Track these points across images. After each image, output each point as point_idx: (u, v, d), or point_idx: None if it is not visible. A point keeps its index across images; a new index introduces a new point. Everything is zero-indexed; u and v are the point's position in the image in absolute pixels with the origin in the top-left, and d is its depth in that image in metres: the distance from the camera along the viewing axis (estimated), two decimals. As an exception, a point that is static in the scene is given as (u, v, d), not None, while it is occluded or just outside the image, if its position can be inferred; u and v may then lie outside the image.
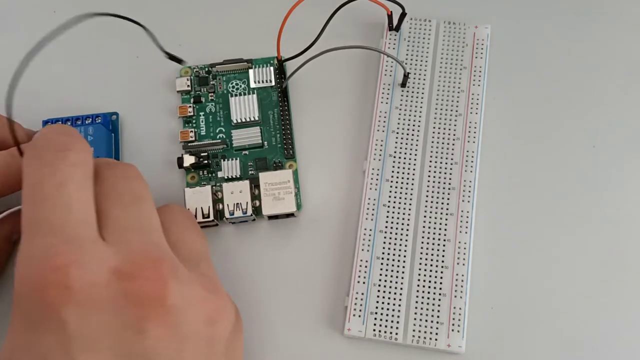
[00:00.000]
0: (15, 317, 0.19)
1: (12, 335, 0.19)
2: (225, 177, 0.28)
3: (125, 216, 0.21)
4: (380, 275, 0.26)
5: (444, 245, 0.27)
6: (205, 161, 0.28)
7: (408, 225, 0.27)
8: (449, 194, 0.28)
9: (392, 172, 0.28)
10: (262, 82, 0.30)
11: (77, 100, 0.30)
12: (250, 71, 0.30)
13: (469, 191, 0.28)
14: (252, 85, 0.30)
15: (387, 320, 0.26)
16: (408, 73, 0.29)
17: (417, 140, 0.29)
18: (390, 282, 0.26)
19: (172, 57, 0.26)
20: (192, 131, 0.29)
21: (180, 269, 0.20)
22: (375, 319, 0.26)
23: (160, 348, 0.19)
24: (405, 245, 0.27)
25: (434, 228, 0.27)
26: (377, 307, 0.26)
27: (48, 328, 0.18)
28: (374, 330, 0.26)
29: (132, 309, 0.19)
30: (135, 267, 0.19)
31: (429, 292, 0.26)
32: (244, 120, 0.29)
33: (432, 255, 0.27)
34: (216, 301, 0.21)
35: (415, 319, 0.26)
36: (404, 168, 0.28)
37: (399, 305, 0.26)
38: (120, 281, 0.19)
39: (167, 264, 0.20)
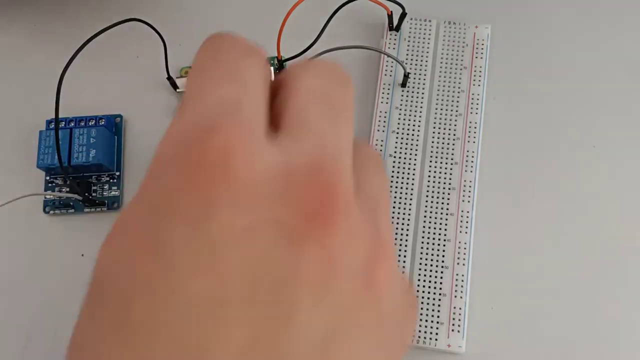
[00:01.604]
0: (140, 195, 0.15)
1: (133, 210, 0.15)
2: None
3: (314, 113, 0.16)
4: (381, 275, 0.26)
5: (444, 245, 0.27)
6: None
7: (408, 225, 0.27)
8: (449, 194, 0.28)
9: (392, 172, 0.28)
10: (262, 82, 0.30)
11: (80, 101, 0.30)
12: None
13: (469, 191, 0.28)
14: (252, 85, 0.30)
15: (387, 320, 0.26)
16: (408, 73, 0.29)
17: (417, 141, 0.29)
18: (391, 282, 0.26)
19: (170, 80, 0.26)
20: (192, 131, 0.29)
21: (355, 213, 0.16)
22: (376, 319, 0.26)
23: (309, 276, 0.15)
24: (406, 245, 0.27)
25: (434, 228, 0.27)
26: (377, 307, 0.26)
27: (186, 214, 0.14)
28: (374, 330, 0.26)
29: (292, 213, 0.15)
30: (310, 170, 0.15)
31: (429, 292, 0.26)
32: (244, 120, 0.29)
33: (432, 255, 0.27)
34: (385, 263, 0.16)
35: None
36: (404, 168, 0.28)
37: (399, 305, 0.26)
38: (289, 178, 0.15)
39: (346, 185, 0.15)
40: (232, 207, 0.14)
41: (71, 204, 0.29)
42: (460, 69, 0.30)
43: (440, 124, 0.29)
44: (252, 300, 0.14)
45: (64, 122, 0.29)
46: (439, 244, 0.27)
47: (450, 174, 0.28)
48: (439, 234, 0.27)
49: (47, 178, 0.29)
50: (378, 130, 0.29)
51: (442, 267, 0.26)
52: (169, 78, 0.30)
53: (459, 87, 0.29)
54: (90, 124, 0.29)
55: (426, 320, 0.26)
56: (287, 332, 0.14)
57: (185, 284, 0.14)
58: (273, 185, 0.15)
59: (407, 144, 0.29)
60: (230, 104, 0.15)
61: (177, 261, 0.14)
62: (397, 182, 0.28)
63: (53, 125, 0.29)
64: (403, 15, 0.30)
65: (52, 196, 0.29)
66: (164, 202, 0.14)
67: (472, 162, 0.28)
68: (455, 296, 0.26)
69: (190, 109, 0.15)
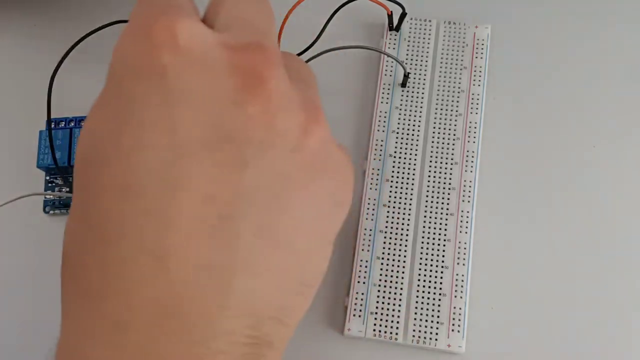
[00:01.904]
0: (108, 81, 0.17)
1: (102, 95, 0.17)
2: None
3: (240, 7, 0.19)
4: (381, 275, 0.26)
5: (444, 245, 0.27)
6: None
7: (408, 225, 0.27)
8: (449, 194, 0.28)
9: (392, 172, 0.28)
10: (262, 82, 0.30)
11: (80, 101, 0.30)
12: None
13: (469, 191, 0.28)
14: (252, 85, 0.30)
15: (387, 320, 0.26)
16: (408, 73, 0.29)
17: (417, 140, 0.29)
18: (391, 282, 0.26)
19: None
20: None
21: (288, 83, 0.18)
22: (376, 319, 0.26)
23: (254, 130, 0.17)
24: (405, 245, 0.27)
25: (434, 228, 0.27)
26: (377, 307, 0.26)
27: (146, 74, 0.17)
28: (374, 330, 0.26)
29: (234, 78, 0.17)
30: (243, 44, 0.17)
31: (429, 292, 0.26)
32: (244, 120, 0.29)
33: (432, 255, 0.27)
34: (319, 126, 0.18)
35: (415, 319, 0.26)
36: (404, 168, 0.28)
37: (399, 305, 0.26)
38: (226, 50, 0.17)
39: (276, 57, 0.18)
40: (183, 69, 0.16)
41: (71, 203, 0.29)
42: (460, 69, 0.30)
43: (440, 124, 0.29)
44: (206, 151, 0.16)
45: (64, 122, 0.29)
46: (439, 244, 0.27)
47: (450, 174, 0.28)
48: (439, 234, 0.27)
49: (47, 178, 0.29)
50: (378, 130, 0.29)
51: (442, 267, 0.26)
52: None
53: (459, 87, 0.29)
54: (82, 124, 0.29)
55: (426, 320, 0.26)
56: (242, 178, 0.16)
57: (148, 137, 0.16)
58: (216, 55, 0.17)
59: (407, 144, 0.29)
60: (166, 3, 0.17)
61: (140, 116, 0.16)
62: (397, 182, 0.28)
63: (53, 126, 0.29)
64: (403, 15, 0.30)
65: (52, 196, 0.29)
66: (128, 75, 0.17)
67: (472, 162, 0.28)
68: (455, 296, 0.26)
69: (135, 14, 0.18)
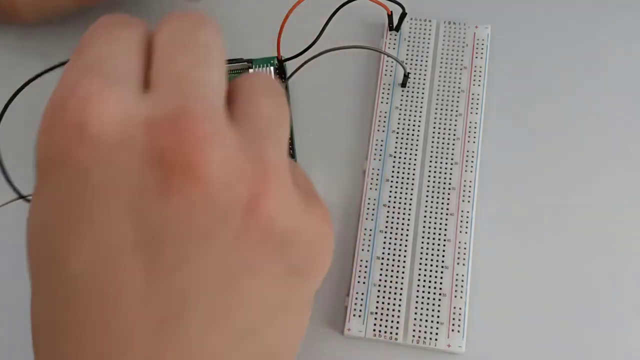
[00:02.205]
0: (37, 167, 0.16)
1: (36, 184, 0.16)
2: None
3: (175, 63, 0.16)
4: (380, 275, 0.26)
5: (444, 245, 0.27)
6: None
7: (408, 225, 0.27)
8: (449, 194, 0.28)
9: (392, 172, 0.28)
10: (262, 82, 0.30)
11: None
12: (251, 71, 0.30)
13: (469, 191, 0.28)
14: (252, 85, 0.30)
15: (387, 320, 0.26)
16: (408, 73, 0.29)
17: (417, 140, 0.29)
18: (391, 282, 0.26)
19: None
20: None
21: (228, 134, 0.16)
22: (376, 319, 0.26)
23: (183, 226, 0.15)
24: (405, 245, 0.27)
25: (434, 228, 0.27)
26: (377, 307, 0.26)
27: (65, 168, 0.15)
28: (374, 330, 0.26)
29: (156, 167, 0.15)
30: (168, 119, 0.15)
31: (429, 292, 0.26)
32: (244, 120, 0.29)
33: (432, 255, 0.27)
34: (270, 197, 0.16)
35: (415, 319, 0.26)
36: (404, 168, 0.28)
37: (399, 305, 0.26)
38: (146, 131, 0.15)
39: (210, 123, 0.15)
40: (100, 163, 0.15)
41: None
42: (461, 69, 0.30)
43: (440, 124, 0.29)
44: (136, 254, 0.15)
45: None
46: (439, 244, 0.27)
47: (450, 174, 0.28)
48: (439, 234, 0.27)
49: None
50: (378, 130, 0.29)
51: (442, 267, 0.26)
52: None
53: (459, 87, 0.29)
54: None
55: (426, 320, 0.26)
56: (179, 278, 0.15)
57: (75, 244, 0.15)
58: (135, 142, 0.15)
59: (407, 144, 0.29)
60: (92, 66, 0.16)
61: (67, 219, 0.15)
62: (397, 182, 0.28)
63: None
64: (403, 15, 0.30)
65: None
66: (50, 168, 0.15)
67: (472, 162, 0.28)
68: (455, 296, 0.26)
69: (60, 80, 0.16)
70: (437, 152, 0.28)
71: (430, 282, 0.26)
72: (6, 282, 0.28)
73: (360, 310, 0.26)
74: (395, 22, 0.30)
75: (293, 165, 0.19)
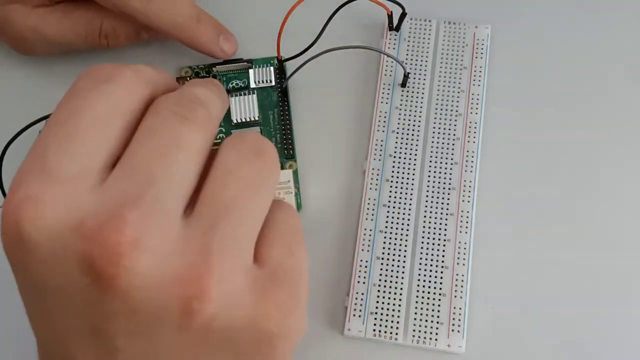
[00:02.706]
0: None
1: None
2: (226, 177, 0.28)
3: (137, 159, 0.17)
4: (380, 275, 0.26)
5: (444, 245, 0.27)
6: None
7: (408, 225, 0.27)
8: (449, 194, 0.28)
9: (392, 172, 0.28)
10: (262, 82, 0.30)
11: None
12: (251, 71, 0.30)
13: (469, 191, 0.28)
14: (252, 85, 0.30)
15: (387, 321, 0.26)
16: (408, 73, 0.29)
17: (417, 140, 0.29)
18: (391, 282, 0.26)
19: None
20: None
21: (166, 235, 0.16)
22: (376, 319, 0.26)
23: (118, 322, 0.16)
24: (405, 245, 0.27)
25: (434, 228, 0.27)
26: (377, 307, 0.26)
27: (13, 264, 0.17)
28: (374, 330, 0.26)
29: (88, 272, 0.16)
30: (99, 226, 0.15)
31: (429, 292, 0.26)
32: (244, 120, 0.29)
33: (432, 255, 0.27)
34: (207, 291, 0.16)
35: (415, 319, 0.26)
36: (404, 168, 0.28)
37: (399, 305, 0.26)
38: (77, 238, 0.16)
39: (141, 228, 0.15)
40: (36, 265, 0.16)
41: None
42: (460, 69, 0.30)
43: (440, 124, 0.29)
44: (82, 338, 0.17)
45: None
46: (439, 244, 0.27)
47: (450, 174, 0.28)
48: (439, 234, 0.27)
49: None
50: (378, 130, 0.29)
51: (442, 267, 0.26)
52: None
53: (459, 87, 0.29)
54: None
55: (426, 320, 0.26)
56: (117, 358, 0.17)
57: (37, 327, 0.18)
58: (66, 248, 0.16)
59: (407, 144, 0.29)
60: (42, 159, 0.16)
61: (27, 301, 0.18)
62: (397, 182, 0.28)
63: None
64: (403, 15, 0.30)
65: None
66: (8, 260, 0.17)
67: (472, 162, 0.28)
68: (455, 296, 0.26)
69: (15, 176, 0.17)
70: (437, 152, 0.28)
71: (430, 282, 0.26)
72: (7, 280, 0.28)
73: (360, 311, 0.26)
74: (395, 22, 0.30)
75: (278, 228, 0.19)
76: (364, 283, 0.26)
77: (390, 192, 0.28)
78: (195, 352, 0.17)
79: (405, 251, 0.27)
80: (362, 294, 0.26)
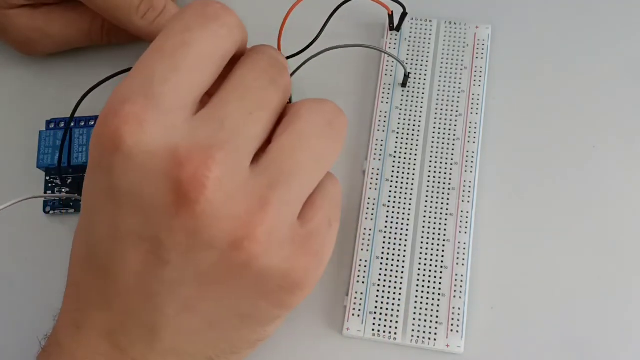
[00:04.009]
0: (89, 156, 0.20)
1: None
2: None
3: (230, 107, 0.19)
4: (380, 275, 0.26)
5: (443, 246, 0.27)
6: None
7: (408, 225, 0.27)
8: (448, 194, 0.28)
9: (392, 172, 0.28)
10: (263, 81, 0.30)
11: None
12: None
13: (469, 191, 0.28)
14: (253, 84, 0.30)
15: (386, 320, 0.26)
16: (409, 73, 0.29)
17: (417, 140, 0.29)
18: (390, 282, 0.26)
19: None
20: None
21: (238, 181, 0.19)
22: (375, 318, 0.26)
23: (178, 237, 0.18)
24: (405, 245, 0.27)
25: (434, 228, 0.27)
26: (376, 307, 0.26)
27: (100, 167, 0.19)
28: (373, 330, 0.26)
29: (168, 190, 0.18)
30: (187, 154, 0.18)
31: (428, 292, 0.26)
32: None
33: (431, 255, 0.27)
34: (258, 231, 0.19)
35: (414, 319, 0.26)
36: (404, 168, 0.28)
37: (398, 305, 0.26)
38: (170, 158, 0.18)
39: (223, 168, 0.18)
40: (126, 170, 0.18)
41: (71, 204, 0.29)
42: (461, 69, 0.30)
43: (440, 124, 0.29)
44: (139, 241, 0.19)
45: (63, 122, 0.29)
46: (438, 244, 0.27)
47: (450, 174, 0.28)
48: (439, 234, 0.27)
49: (47, 178, 0.29)
50: (378, 130, 0.29)
51: (442, 267, 0.26)
52: None
53: (459, 88, 0.29)
54: (90, 124, 0.29)
55: (425, 320, 0.26)
56: (164, 271, 0.19)
57: (98, 230, 0.20)
58: (158, 164, 0.18)
59: (407, 143, 0.29)
60: (146, 85, 0.19)
61: (94, 209, 0.20)
62: (397, 182, 0.28)
63: (53, 126, 0.29)
64: (404, 15, 0.30)
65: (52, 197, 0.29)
66: (91, 162, 0.20)
67: (472, 162, 0.28)
68: (455, 296, 0.26)
69: (122, 81, 0.19)
70: (437, 152, 0.28)
71: (429, 282, 0.26)
72: (7, 281, 0.28)
73: (360, 310, 0.26)
74: (396, 22, 0.30)
75: (325, 198, 0.21)
76: (363, 283, 0.26)
77: (390, 192, 0.28)
78: (227, 283, 0.19)
79: (404, 251, 0.27)
80: (362, 293, 0.26)
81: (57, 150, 0.28)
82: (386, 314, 0.26)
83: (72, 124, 0.29)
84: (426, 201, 0.28)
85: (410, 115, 0.29)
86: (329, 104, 0.21)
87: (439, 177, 0.28)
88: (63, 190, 0.29)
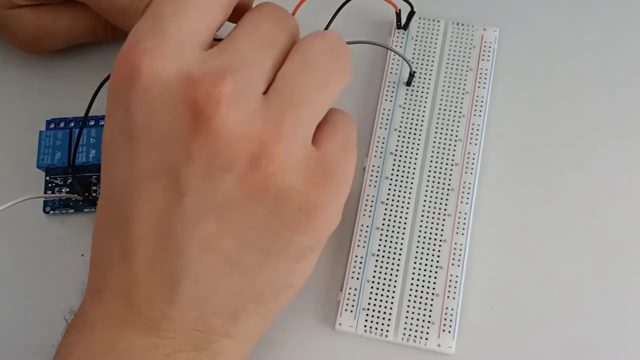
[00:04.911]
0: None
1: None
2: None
3: (240, 42, 0.20)
4: (375, 272, 0.27)
5: (439, 246, 0.27)
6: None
7: (405, 223, 0.27)
8: (447, 194, 0.28)
9: (392, 170, 0.28)
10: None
11: (80, 102, 0.30)
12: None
13: (468, 193, 0.28)
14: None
15: (378, 317, 0.26)
16: (414, 72, 0.29)
17: (419, 140, 0.29)
18: (384, 279, 0.26)
19: None
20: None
21: (254, 103, 0.19)
22: (367, 315, 0.26)
23: (194, 163, 0.19)
24: (401, 244, 0.27)
25: (431, 228, 0.27)
26: (369, 304, 0.26)
27: (118, 102, 0.20)
28: (365, 326, 0.26)
29: (187, 112, 0.19)
30: (201, 76, 0.19)
31: (422, 292, 0.26)
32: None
33: (427, 254, 0.27)
34: (272, 156, 0.19)
35: (407, 317, 0.26)
36: (404, 166, 0.28)
37: (392, 302, 0.26)
38: (186, 85, 0.19)
39: (239, 89, 0.19)
40: (143, 104, 0.19)
41: (71, 204, 0.29)
42: (466, 71, 0.30)
43: (443, 124, 0.29)
44: (154, 181, 0.19)
45: (63, 122, 0.29)
46: (434, 244, 0.27)
47: (450, 174, 0.28)
48: (436, 234, 0.27)
49: (47, 178, 0.29)
50: (380, 128, 0.29)
51: (437, 267, 0.27)
52: None
53: (463, 89, 0.29)
54: (90, 124, 0.28)
55: (417, 319, 0.26)
56: (182, 203, 0.19)
57: (116, 171, 0.20)
58: (175, 92, 0.19)
59: (408, 142, 0.29)
60: (162, 21, 0.20)
61: (113, 150, 0.20)
62: (396, 180, 0.28)
63: (53, 126, 0.29)
64: (411, 14, 0.30)
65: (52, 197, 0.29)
66: (110, 99, 0.20)
67: (472, 164, 0.28)
68: (448, 297, 0.26)
69: (133, 29, 0.20)
70: (438, 153, 0.28)
71: (424, 281, 0.26)
72: (7, 281, 0.28)
73: (353, 306, 0.26)
74: (404, 20, 0.30)
75: (336, 126, 0.22)
76: (357, 279, 0.26)
77: (389, 189, 0.28)
78: (246, 212, 0.20)
79: (400, 249, 0.27)
80: (356, 289, 0.26)
81: (58, 150, 0.28)
82: (379, 311, 0.26)
83: (72, 124, 0.29)
84: (425, 201, 0.28)
85: (413, 115, 0.29)
86: (331, 33, 0.22)
87: (439, 178, 0.28)
88: (63, 190, 0.29)
